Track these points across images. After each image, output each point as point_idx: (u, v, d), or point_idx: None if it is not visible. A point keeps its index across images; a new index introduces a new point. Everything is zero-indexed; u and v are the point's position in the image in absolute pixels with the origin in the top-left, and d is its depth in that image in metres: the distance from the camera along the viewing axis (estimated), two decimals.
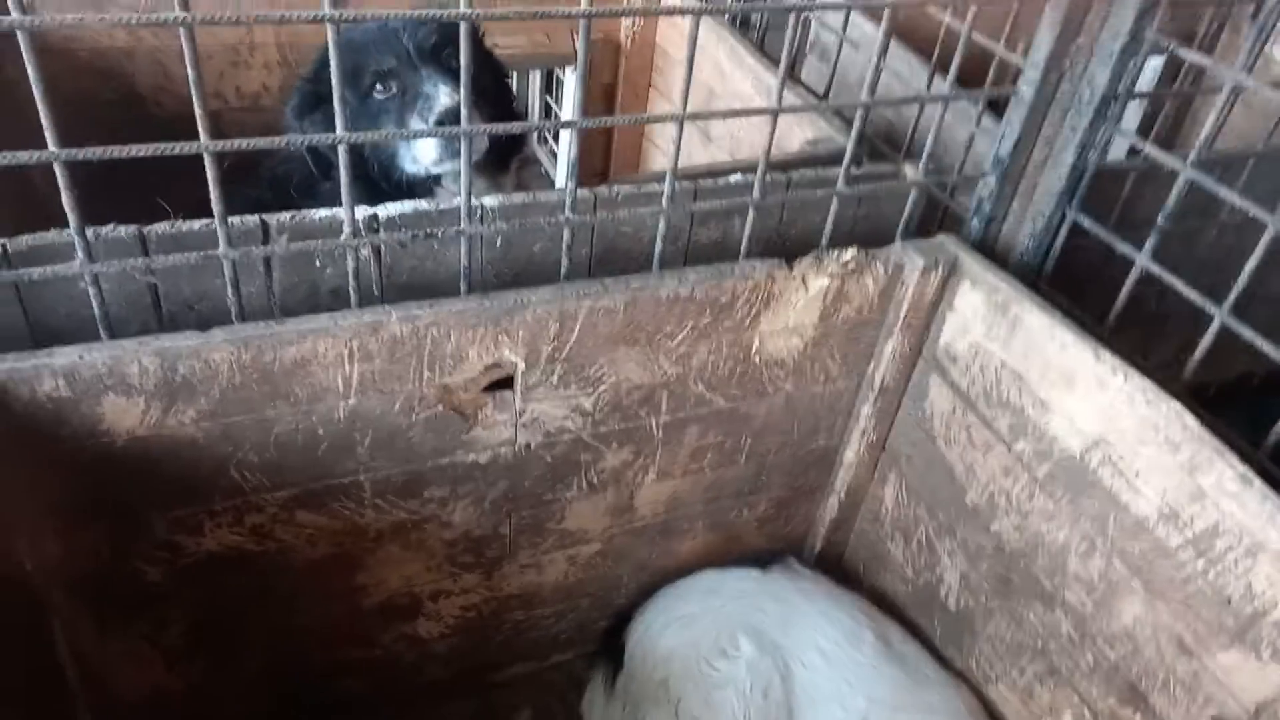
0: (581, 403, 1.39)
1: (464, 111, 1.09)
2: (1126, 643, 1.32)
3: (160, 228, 1.13)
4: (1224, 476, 1.16)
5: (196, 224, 1.14)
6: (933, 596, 1.69)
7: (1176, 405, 1.21)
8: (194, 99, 0.95)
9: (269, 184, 1.66)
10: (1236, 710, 1.18)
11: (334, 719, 1.67)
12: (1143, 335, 1.62)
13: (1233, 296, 1.26)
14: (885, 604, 1.80)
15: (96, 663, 1.35)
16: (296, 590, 1.41)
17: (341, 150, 1.05)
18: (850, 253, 1.42)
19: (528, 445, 1.41)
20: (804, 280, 1.41)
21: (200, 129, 0.97)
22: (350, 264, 1.16)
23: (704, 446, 1.58)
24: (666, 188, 1.28)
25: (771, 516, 1.81)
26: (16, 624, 1.15)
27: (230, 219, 1.10)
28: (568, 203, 1.24)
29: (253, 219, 1.16)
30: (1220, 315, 1.27)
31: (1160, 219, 1.35)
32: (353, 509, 1.34)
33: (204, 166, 1.00)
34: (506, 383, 1.32)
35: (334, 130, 1.04)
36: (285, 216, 1.17)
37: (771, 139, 1.28)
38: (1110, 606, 1.34)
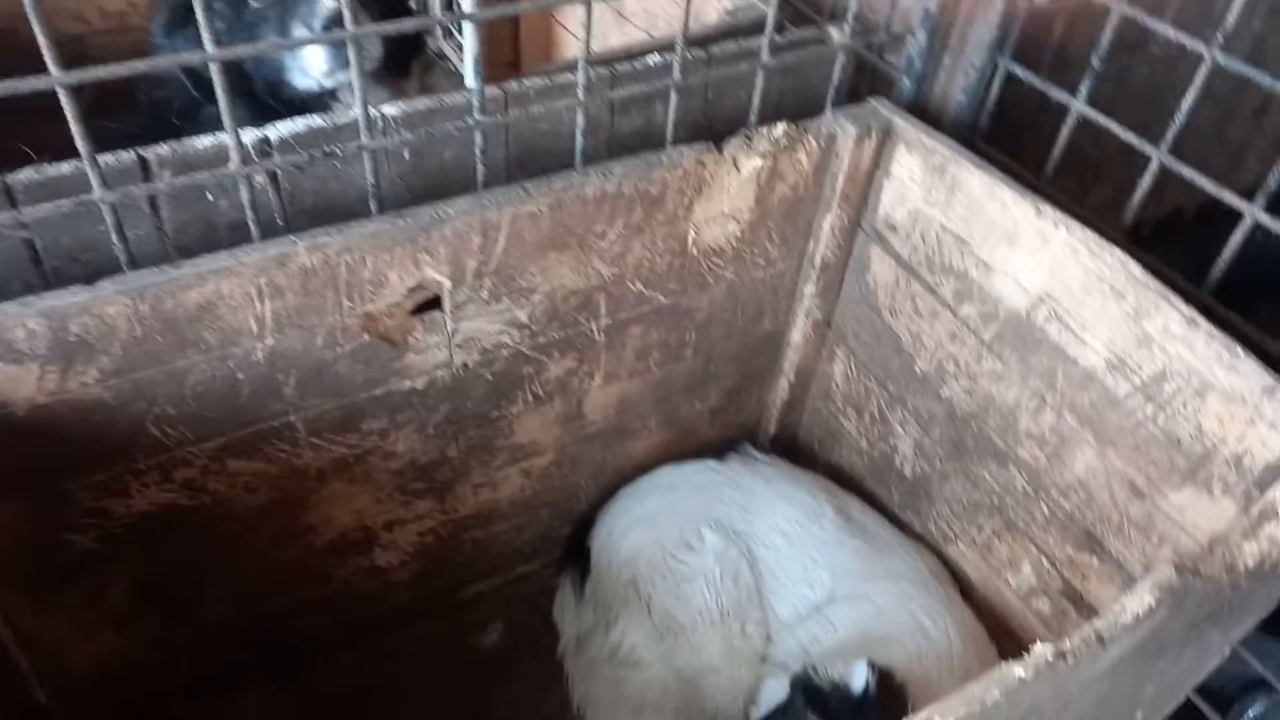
0: (516, 315, 1.33)
1: (347, 15, 0.98)
2: (1080, 492, 1.34)
3: (26, 174, 1.02)
4: (1170, 320, 1.15)
5: (66, 166, 1.03)
6: (888, 465, 1.70)
7: (1120, 254, 1.19)
8: (33, 23, 0.84)
9: (147, 113, 1.52)
10: (1190, 545, 1.21)
11: (303, 658, 1.65)
12: (1079, 180, 1.60)
13: (1170, 135, 1.23)
14: (842, 478, 1.81)
15: (41, 639, 1.29)
16: (241, 539, 1.36)
17: (215, 71, 0.95)
18: (781, 128, 1.35)
19: (465, 365, 1.35)
20: (735, 162, 1.34)
21: (47, 59, 0.86)
22: (245, 194, 1.06)
23: (649, 345, 1.53)
24: (581, 77, 1.19)
25: (723, 406, 1.79)
26: None
27: (104, 157, 1.00)
28: (476, 104, 1.14)
29: (129, 155, 1.05)
30: (1159, 156, 1.24)
31: (1094, 60, 1.30)
32: (288, 451, 1.28)
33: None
34: (435, 303, 1.25)
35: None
36: (165, 149, 1.06)
37: (688, 14, 1.19)
38: (1063, 458, 1.35)
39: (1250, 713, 1.60)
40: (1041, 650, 0.79)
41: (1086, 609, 1.39)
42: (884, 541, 1.61)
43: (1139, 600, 0.85)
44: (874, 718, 1.25)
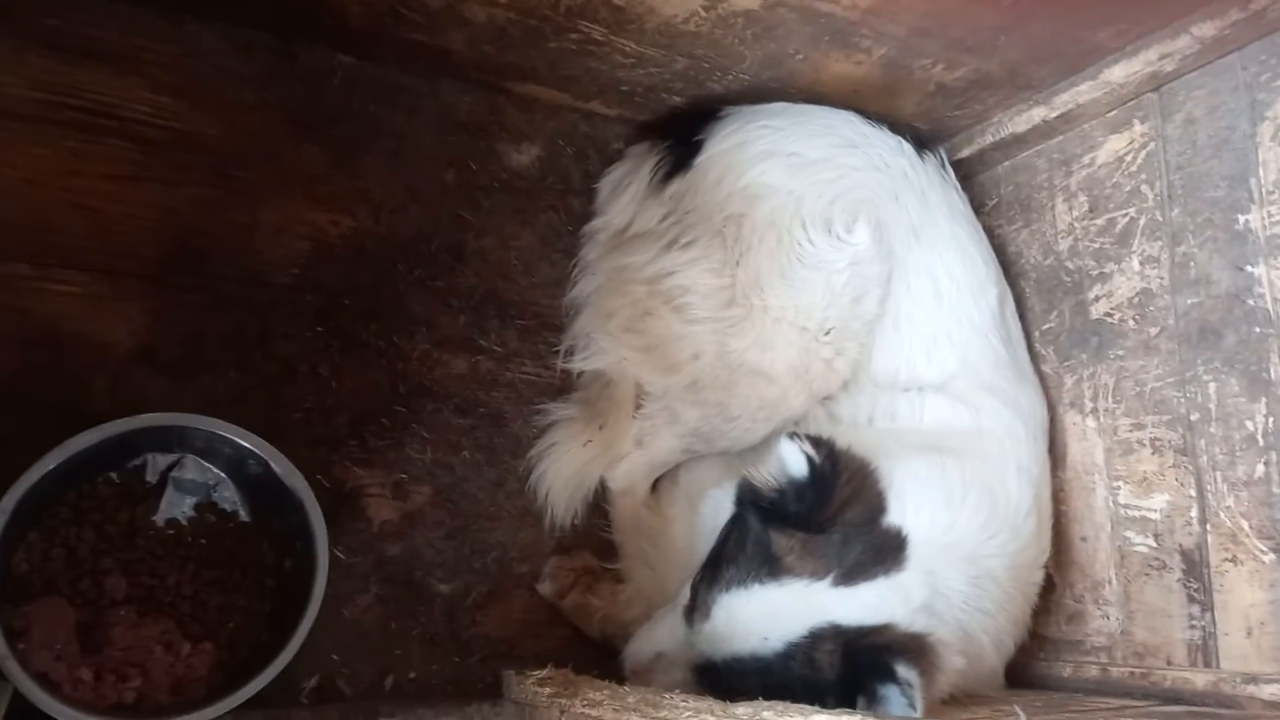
0: None
1: None
2: None
3: None
4: None
5: None
6: (1075, 287, 1.31)
7: None
8: None
9: None
10: None
11: (319, 48, 1.21)
12: None
13: None
14: (1003, 261, 1.41)
15: None
16: None
17: None
18: None
19: None
20: None
21: None
22: None
23: None
24: None
25: (957, 90, 1.31)
26: None
27: None
28: None
29: None
30: None
31: None
32: None
33: None
34: None
35: None
36: None
37: None
38: None
39: None
40: None
41: (1198, 584, 1.12)
42: (1022, 366, 1.27)
43: None
44: (831, 487, 1.00)
